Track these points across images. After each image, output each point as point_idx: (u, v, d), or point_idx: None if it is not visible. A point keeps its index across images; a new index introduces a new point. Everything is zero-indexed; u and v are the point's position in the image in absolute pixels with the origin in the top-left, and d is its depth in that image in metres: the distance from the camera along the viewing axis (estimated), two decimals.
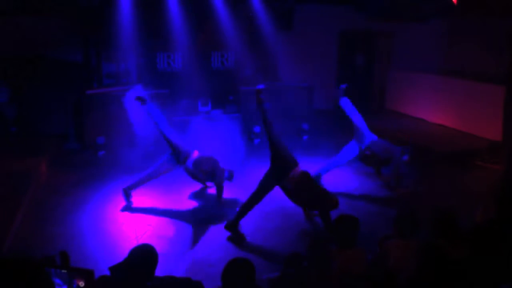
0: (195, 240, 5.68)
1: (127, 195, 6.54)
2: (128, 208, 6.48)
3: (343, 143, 7.52)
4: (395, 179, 7.21)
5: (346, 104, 7.31)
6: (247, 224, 6.01)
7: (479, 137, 9.34)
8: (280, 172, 5.77)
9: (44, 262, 3.29)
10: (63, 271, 3.14)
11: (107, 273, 3.25)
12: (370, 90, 12.73)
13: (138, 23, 9.19)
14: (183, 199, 6.86)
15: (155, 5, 9.53)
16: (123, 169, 7.85)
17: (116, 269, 3.21)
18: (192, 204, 6.76)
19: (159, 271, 3.35)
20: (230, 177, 6.85)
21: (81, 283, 3.10)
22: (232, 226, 5.67)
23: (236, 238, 5.62)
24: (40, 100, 9.25)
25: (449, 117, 10.31)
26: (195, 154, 6.63)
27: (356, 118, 7.23)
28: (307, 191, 5.72)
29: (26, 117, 9.32)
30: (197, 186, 7.16)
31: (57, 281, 3.10)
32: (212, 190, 7.01)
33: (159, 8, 9.52)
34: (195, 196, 7.01)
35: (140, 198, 6.76)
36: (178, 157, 6.58)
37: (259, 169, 7.97)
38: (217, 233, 5.78)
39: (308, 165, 7.99)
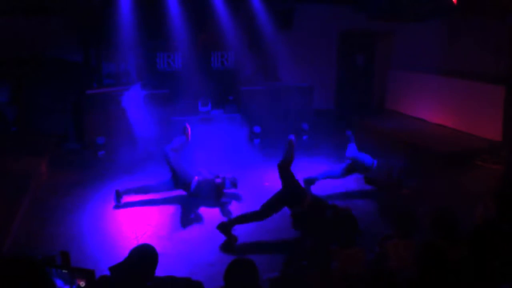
0: (196, 239, 5.68)
1: (118, 197, 6.56)
2: (119, 207, 6.50)
3: (342, 143, 7.51)
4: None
5: (351, 149, 7.28)
6: (247, 224, 6.02)
7: (479, 137, 9.33)
8: (292, 202, 5.75)
9: (45, 262, 3.30)
10: (64, 271, 3.15)
11: (107, 273, 3.25)
12: (370, 90, 12.74)
13: (138, 23, 9.19)
14: (183, 199, 6.86)
15: (155, 5, 9.52)
16: (123, 169, 7.86)
17: (116, 269, 3.21)
18: (193, 204, 6.75)
19: (159, 271, 3.35)
20: (234, 185, 6.91)
21: (82, 283, 3.11)
22: (226, 229, 5.63)
23: (228, 239, 5.59)
24: (40, 100, 9.24)
25: (449, 117, 10.31)
26: (195, 180, 6.72)
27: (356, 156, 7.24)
28: (317, 216, 5.68)
29: (26, 117, 9.32)
30: None
31: (58, 281, 3.11)
32: None
33: (159, 8, 9.51)
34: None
35: (140, 198, 6.77)
36: (177, 182, 6.73)
37: (260, 169, 8.01)
38: (217, 233, 5.77)
39: (308, 165, 8.04)
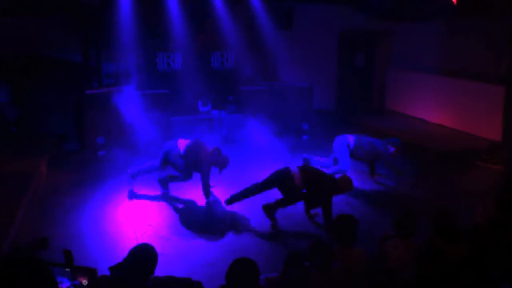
0: (195, 240, 5.68)
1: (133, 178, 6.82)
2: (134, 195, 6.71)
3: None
4: (390, 174, 7.31)
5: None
6: (247, 224, 6.03)
7: (479, 137, 9.34)
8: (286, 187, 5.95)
9: (37, 245, 3.31)
10: (66, 269, 3.17)
11: (107, 273, 3.25)
12: (370, 90, 12.74)
13: (138, 23, 9.19)
14: (183, 199, 6.86)
15: (155, 5, 9.52)
16: (123, 169, 7.85)
17: (116, 269, 3.21)
18: (192, 204, 6.76)
19: (159, 271, 3.35)
20: (222, 166, 6.74)
21: (85, 281, 3.13)
22: (270, 211, 5.95)
23: (272, 222, 5.92)
24: (40, 100, 9.24)
25: (449, 117, 10.31)
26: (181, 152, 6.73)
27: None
28: (318, 184, 5.90)
29: (26, 117, 9.31)
30: (198, 186, 7.13)
31: (60, 278, 3.13)
32: (213, 190, 6.98)
33: (159, 8, 9.51)
34: (195, 196, 7.00)
35: (140, 198, 6.78)
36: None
37: (261, 169, 8.00)
38: (217, 233, 5.79)
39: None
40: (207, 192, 6.68)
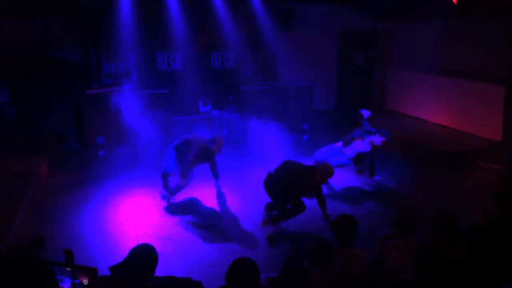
0: (195, 240, 5.68)
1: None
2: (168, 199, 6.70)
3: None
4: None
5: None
6: (247, 224, 6.04)
7: (479, 137, 9.34)
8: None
9: (32, 245, 3.32)
10: (67, 269, 3.18)
11: (107, 273, 3.25)
12: (370, 90, 12.74)
13: (138, 23, 9.18)
14: (183, 199, 6.86)
15: (155, 5, 9.52)
16: (123, 169, 7.86)
17: (116, 269, 3.21)
18: (192, 204, 6.76)
19: (159, 271, 3.35)
20: (216, 145, 6.52)
21: (85, 281, 3.14)
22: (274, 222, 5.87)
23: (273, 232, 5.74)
24: (40, 100, 9.25)
25: (449, 117, 10.31)
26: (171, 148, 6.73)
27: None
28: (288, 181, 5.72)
29: (26, 117, 9.32)
30: (198, 187, 7.13)
31: (60, 278, 3.14)
32: (214, 190, 6.98)
33: (159, 8, 9.51)
34: (195, 196, 7.01)
35: (140, 198, 6.77)
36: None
37: (260, 170, 8.00)
38: (217, 233, 5.79)
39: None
40: (185, 173, 6.47)
